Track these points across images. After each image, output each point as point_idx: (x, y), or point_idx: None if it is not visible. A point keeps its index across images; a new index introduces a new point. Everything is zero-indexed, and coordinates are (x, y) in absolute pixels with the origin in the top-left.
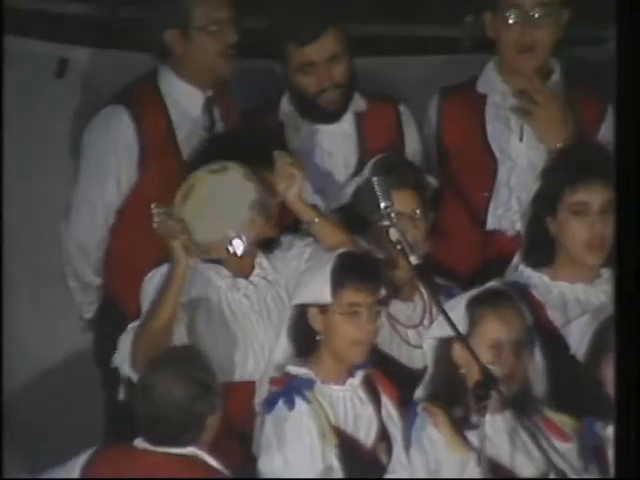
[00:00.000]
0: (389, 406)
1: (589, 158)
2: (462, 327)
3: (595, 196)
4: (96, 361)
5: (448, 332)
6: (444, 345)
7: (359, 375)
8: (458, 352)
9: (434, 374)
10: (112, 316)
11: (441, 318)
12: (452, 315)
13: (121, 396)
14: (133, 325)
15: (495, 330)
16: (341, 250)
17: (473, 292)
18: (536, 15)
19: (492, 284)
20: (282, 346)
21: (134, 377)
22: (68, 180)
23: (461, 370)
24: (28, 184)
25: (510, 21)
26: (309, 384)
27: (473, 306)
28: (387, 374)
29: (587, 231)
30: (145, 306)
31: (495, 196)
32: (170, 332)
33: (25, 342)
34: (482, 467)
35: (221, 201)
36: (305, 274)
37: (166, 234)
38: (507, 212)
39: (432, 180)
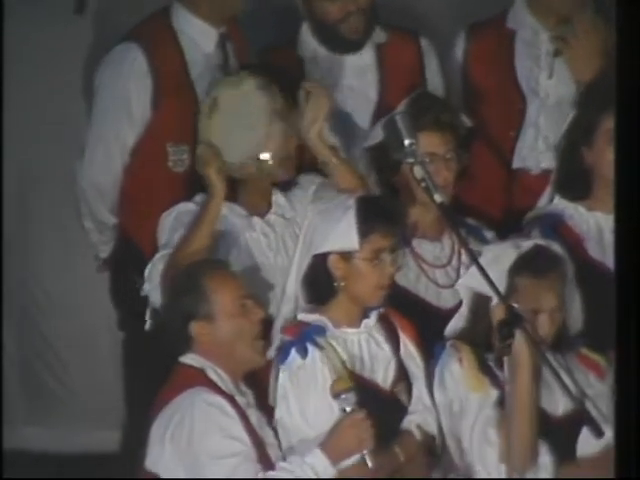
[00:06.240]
0: (408, 344)
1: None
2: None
3: None
4: (113, 300)
5: (483, 287)
6: (481, 299)
7: (374, 315)
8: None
9: (470, 319)
10: (128, 255)
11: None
12: (491, 274)
13: (148, 325)
14: (162, 254)
15: (535, 300)
16: (358, 194)
17: (516, 253)
18: None
19: (538, 242)
20: (292, 285)
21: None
22: (83, 119)
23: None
24: (45, 125)
25: None
26: (321, 330)
27: (515, 273)
28: (412, 313)
29: None
30: (162, 240)
31: (522, 135)
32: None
33: (45, 280)
34: (502, 409)
35: (242, 117)
36: (322, 221)
37: (199, 161)
38: (532, 152)
39: (466, 120)
